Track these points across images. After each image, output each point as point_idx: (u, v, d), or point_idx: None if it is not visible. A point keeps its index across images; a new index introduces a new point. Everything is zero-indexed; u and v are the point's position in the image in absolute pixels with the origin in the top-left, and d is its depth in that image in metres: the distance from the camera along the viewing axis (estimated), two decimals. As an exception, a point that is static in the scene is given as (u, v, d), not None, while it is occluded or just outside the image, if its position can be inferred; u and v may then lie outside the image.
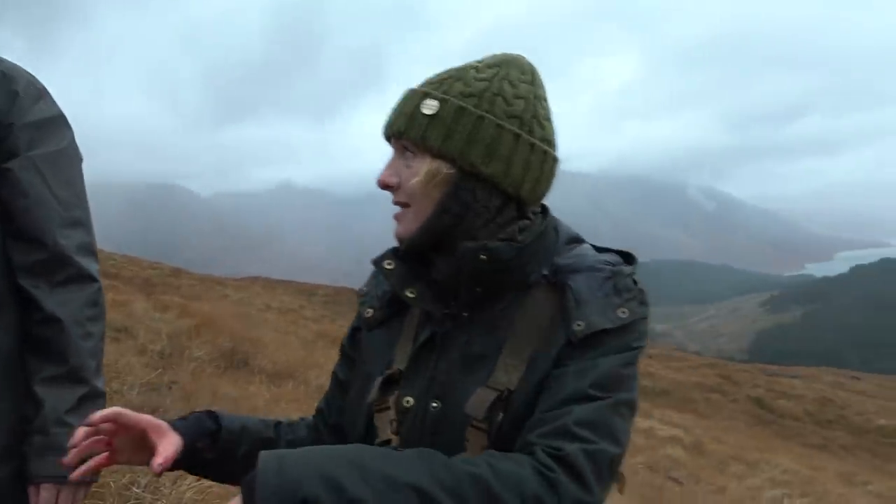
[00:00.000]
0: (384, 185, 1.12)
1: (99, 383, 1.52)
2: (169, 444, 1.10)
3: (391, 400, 1.12)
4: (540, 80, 1.15)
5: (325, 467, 0.88)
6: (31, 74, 1.50)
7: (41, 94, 1.49)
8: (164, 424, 1.13)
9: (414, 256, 1.16)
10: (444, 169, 1.07)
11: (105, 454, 1.12)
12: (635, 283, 1.08)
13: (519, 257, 1.09)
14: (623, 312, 1.04)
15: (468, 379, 1.07)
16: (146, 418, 1.12)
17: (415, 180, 1.08)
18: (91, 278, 1.51)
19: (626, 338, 1.04)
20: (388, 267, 1.15)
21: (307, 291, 36.02)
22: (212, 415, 1.22)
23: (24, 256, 1.44)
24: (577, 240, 1.18)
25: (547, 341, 1.05)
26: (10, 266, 1.45)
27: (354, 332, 1.31)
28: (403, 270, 1.15)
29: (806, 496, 12.16)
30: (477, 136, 1.06)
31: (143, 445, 1.13)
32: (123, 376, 5.20)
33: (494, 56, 1.15)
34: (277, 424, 1.31)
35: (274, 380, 7.23)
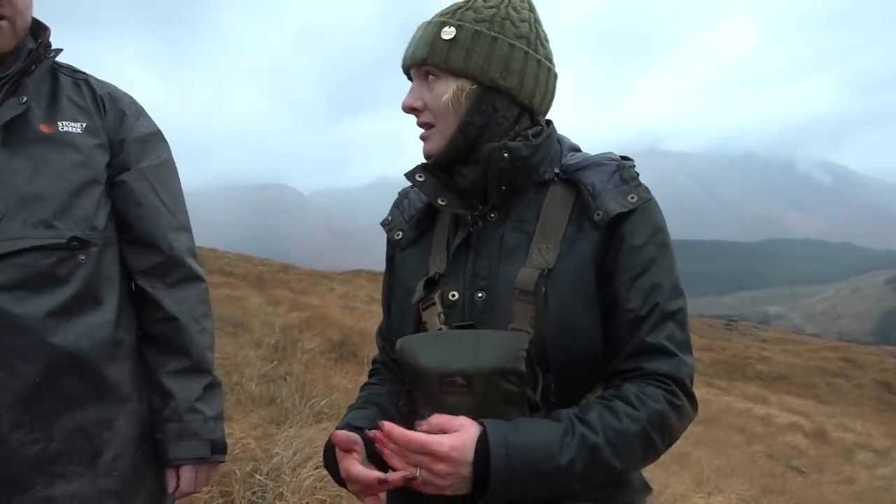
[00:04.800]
0: (409, 109, 1.25)
1: (216, 373, 1.66)
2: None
3: (436, 296, 1.25)
4: (535, 7, 1.28)
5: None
6: (129, 95, 1.63)
7: (140, 112, 1.62)
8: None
9: (442, 170, 1.28)
10: (468, 85, 1.21)
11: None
12: (637, 174, 1.23)
13: (534, 155, 1.23)
14: (632, 198, 1.19)
15: (507, 268, 1.20)
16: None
17: (444, 98, 1.21)
18: (200, 278, 1.65)
19: (643, 218, 1.19)
20: (420, 179, 1.27)
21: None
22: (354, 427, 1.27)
23: (141, 260, 1.57)
24: (577, 149, 1.32)
25: (576, 228, 1.20)
26: (127, 270, 1.58)
27: (390, 261, 1.43)
28: (433, 181, 1.27)
29: (945, 487, 11.35)
30: (493, 54, 1.20)
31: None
32: (242, 369, 5.47)
33: None
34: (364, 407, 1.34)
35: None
